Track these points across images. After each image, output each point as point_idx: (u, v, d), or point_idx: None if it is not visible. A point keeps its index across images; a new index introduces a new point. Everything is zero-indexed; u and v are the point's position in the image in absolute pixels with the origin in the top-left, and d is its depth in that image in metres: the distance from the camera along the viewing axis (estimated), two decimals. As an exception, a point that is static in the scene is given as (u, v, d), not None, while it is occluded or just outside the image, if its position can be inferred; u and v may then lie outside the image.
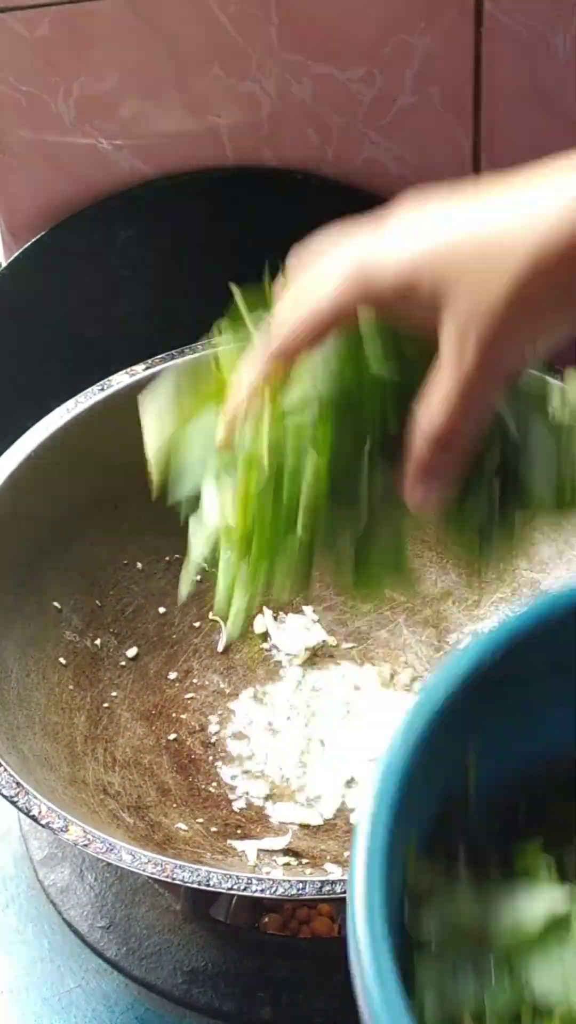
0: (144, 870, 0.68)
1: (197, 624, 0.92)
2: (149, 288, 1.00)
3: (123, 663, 0.89)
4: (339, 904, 0.81)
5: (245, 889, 0.67)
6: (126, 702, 0.87)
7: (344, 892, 0.66)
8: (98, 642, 0.88)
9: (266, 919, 0.84)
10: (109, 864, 0.70)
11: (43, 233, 0.99)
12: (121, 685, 0.88)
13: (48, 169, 0.97)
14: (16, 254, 0.99)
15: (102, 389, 0.91)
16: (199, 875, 0.68)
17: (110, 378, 0.91)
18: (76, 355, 1.00)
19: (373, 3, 0.94)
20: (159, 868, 0.68)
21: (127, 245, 0.99)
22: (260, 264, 1.00)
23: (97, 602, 0.90)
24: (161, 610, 0.92)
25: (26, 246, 0.99)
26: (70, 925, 0.82)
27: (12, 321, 0.99)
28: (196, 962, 0.78)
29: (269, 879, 0.67)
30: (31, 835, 0.86)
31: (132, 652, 0.89)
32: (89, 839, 0.69)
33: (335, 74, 0.97)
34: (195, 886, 0.67)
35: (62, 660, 0.86)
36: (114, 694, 0.87)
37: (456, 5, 0.95)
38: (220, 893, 0.69)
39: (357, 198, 1.01)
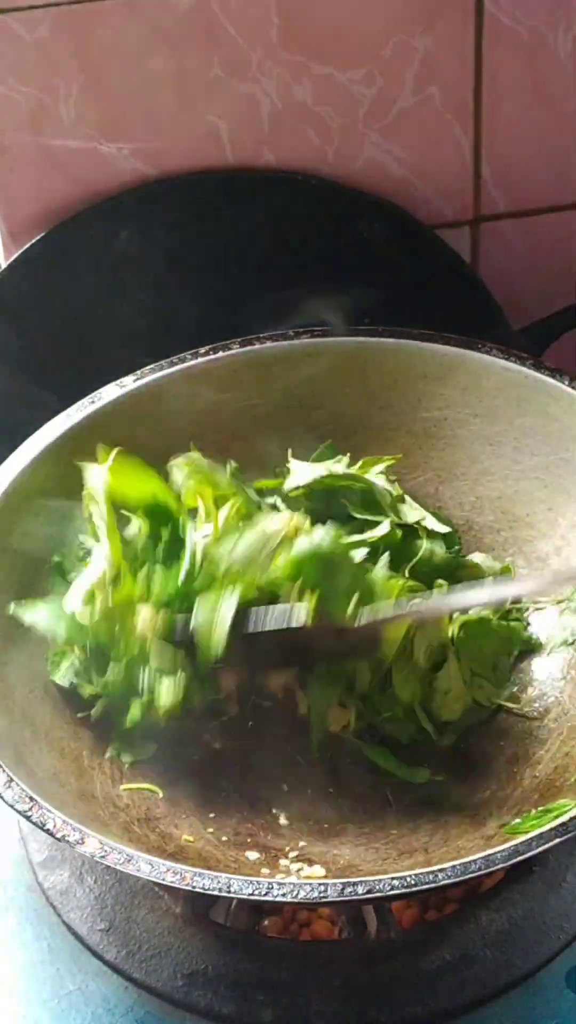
0: (163, 879, 0.68)
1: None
2: (149, 289, 1.00)
3: None
4: (351, 907, 0.81)
5: (266, 894, 0.67)
6: None
7: (367, 894, 0.66)
8: None
9: (266, 922, 0.83)
10: (108, 867, 0.70)
11: (43, 234, 0.99)
12: None
13: (48, 170, 0.97)
14: (16, 255, 0.99)
15: (92, 402, 0.90)
16: (219, 882, 0.67)
17: (100, 391, 0.91)
18: (76, 356, 1.00)
19: (373, 4, 0.94)
20: (178, 877, 0.68)
21: (127, 246, 0.99)
22: (259, 265, 1.01)
23: None
24: None
25: (26, 247, 0.99)
26: (69, 928, 0.82)
27: (12, 322, 0.99)
28: (196, 965, 0.78)
29: (290, 883, 0.67)
30: (30, 837, 0.86)
31: None
32: (106, 851, 0.69)
33: (335, 75, 0.96)
34: (215, 893, 0.67)
35: None
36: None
37: (456, 5, 0.95)
38: (235, 898, 0.68)
39: (357, 199, 1.01)
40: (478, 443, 0.94)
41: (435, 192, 1.03)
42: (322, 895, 0.66)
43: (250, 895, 0.67)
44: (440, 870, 0.67)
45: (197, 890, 0.67)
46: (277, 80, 0.96)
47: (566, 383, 0.89)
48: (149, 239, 0.99)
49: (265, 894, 0.67)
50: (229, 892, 0.67)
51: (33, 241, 0.99)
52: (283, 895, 0.67)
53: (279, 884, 0.67)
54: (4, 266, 1.00)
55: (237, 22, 0.93)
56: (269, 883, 0.67)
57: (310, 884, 0.67)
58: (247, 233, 1.00)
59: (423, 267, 1.03)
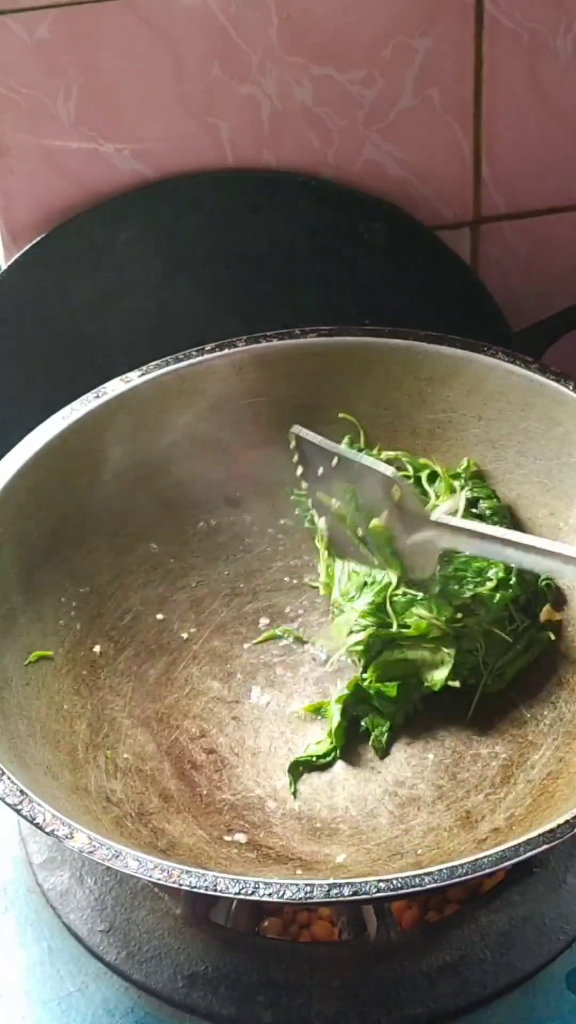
0: (151, 876, 0.68)
1: (195, 630, 0.92)
2: (149, 290, 1.00)
3: (123, 670, 0.88)
4: (343, 907, 0.81)
5: (252, 893, 0.67)
6: (126, 709, 0.86)
7: (352, 895, 0.66)
8: (97, 649, 0.88)
9: (266, 923, 0.83)
10: (109, 868, 0.70)
11: (43, 235, 0.99)
12: (121, 692, 0.87)
13: (48, 171, 0.97)
14: (16, 256, 0.99)
15: (97, 396, 0.90)
16: (206, 880, 0.67)
17: (105, 385, 0.91)
18: (75, 357, 1.00)
19: (373, 5, 0.94)
20: (165, 874, 0.68)
21: (127, 247, 0.99)
22: (259, 266, 1.01)
23: (96, 609, 0.89)
24: (159, 617, 0.91)
25: (26, 248, 0.99)
26: (69, 929, 0.82)
27: (11, 323, 0.99)
28: (196, 966, 0.78)
29: (276, 883, 0.67)
30: (30, 838, 0.86)
31: (131, 659, 0.89)
32: (95, 846, 0.69)
33: (335, 76, 0.97)
34: (202, 891, 0.67)
35: (62, 668, 0.85)
36: (114, 701, 0.86)
37: (456, 6, 0.95)
38: (222, 897, 0.69)
39: (357, 200, 1.01)
40: (482, 446, 0.94)
41: (435, 193, 1.03)
42: (308, 895, 0.66)
43: (236, 894, 0.67)
44: (427, 873, 0.67)
45: (183, 887, 0.67)
46: (277, 81, 0.96)
47: (570, 387, 0.89)
48: (149, 240, 0.99)
49: (251, 893, 0.67)
50: (216, 890, 0.67)
51: (33, 242, 0.99)
52: (268, 895, 0.66)
53: (265, 883, 0.67)
54: (4, 266, 1.00)
55: (237, 23, 0.93)
56: (256, 882, 0.67)
57: (296, 884, 0.67)
58: (247, 233, 1.00)
59: (423, 268, 1.03)
